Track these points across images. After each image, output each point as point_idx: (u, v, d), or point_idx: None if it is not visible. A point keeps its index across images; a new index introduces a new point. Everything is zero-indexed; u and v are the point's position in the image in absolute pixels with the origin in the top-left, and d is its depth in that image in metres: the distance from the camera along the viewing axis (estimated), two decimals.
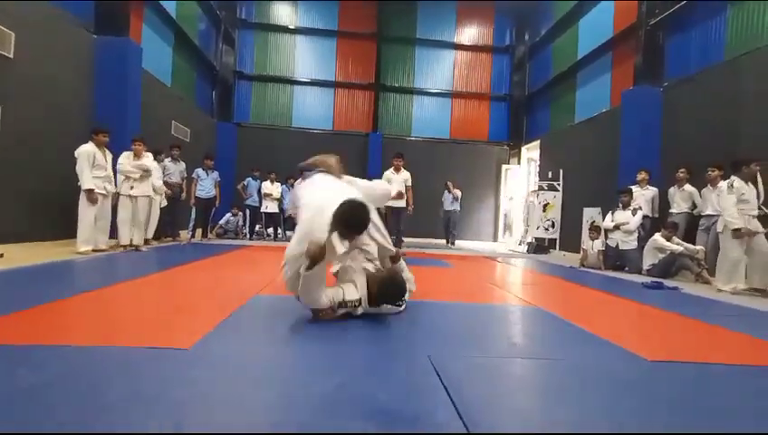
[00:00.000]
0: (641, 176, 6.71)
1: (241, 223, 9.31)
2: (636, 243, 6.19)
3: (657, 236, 5.70)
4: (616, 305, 3.65)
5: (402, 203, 7.15)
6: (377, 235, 2.46)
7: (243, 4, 12.55)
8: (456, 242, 10.53)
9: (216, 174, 8.21)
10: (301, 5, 12.79)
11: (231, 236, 8.99)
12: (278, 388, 1.50)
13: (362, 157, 12.43)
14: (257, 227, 9.33)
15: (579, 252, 7.27)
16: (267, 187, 9.00)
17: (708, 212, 5.59)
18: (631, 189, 6.57)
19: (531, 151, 12.59)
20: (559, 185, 10.22)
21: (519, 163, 13.02)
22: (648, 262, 5.75)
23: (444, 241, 10.53)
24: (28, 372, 1.45)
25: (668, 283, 4.91)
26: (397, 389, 1.52)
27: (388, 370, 1.75)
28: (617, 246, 6.32)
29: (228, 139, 12.05)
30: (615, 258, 6.38)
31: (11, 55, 5.08)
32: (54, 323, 2.14)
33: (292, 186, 9.80)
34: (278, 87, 12.83)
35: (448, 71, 13.29)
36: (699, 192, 5.95)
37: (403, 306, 2.55)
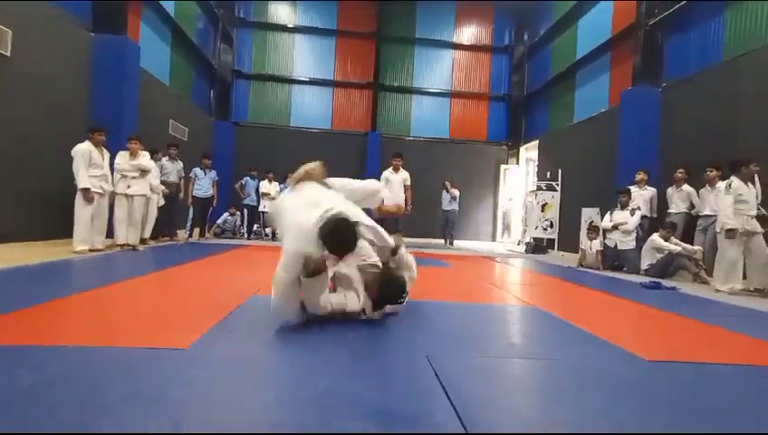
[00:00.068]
0: (640, 176, 6.72)
1: (239, 222, 9.30)
2: (634, 243, 6.21)
3: (656, 237, 5.71)
4: (614, 305, 3.65)
5: (401, 203, 7.14)
6: (369, 236, 2.34)
7: (241, 3, 12.52)
8: (455, 242, 10.53)
9: (213, 173, 8.18)
10: (300, 4, 12.77)
11: (229, 236, 8.97)
12: (277, 388, 1.49)
13: (361, 156, 12.42)
14: (255, 227, 9.31)
15: (577, 252, 7.28)
16: (265, 186, 8.99)
17: (706, 212, 5.60)
18: (630, 190, 6.58)
19: (529, 151, 12.60)
20: (557, 185, 10.23)
21: (517, 163, 13.03)
22: (646, 262, 5.76)
23: (442, 241, 10.53)
24: (26, 372, 1.44)
25: (666, 283, 4.92)
26: (395, 389, 1.51)
27: (387, 370, 1.74)
28: (615, 246, 6.33)
29: (226, 138, 12.02)
30: (613, 258, 6.39)
31: (8, 53, 5.05)
32: (51, 323, 2.13)
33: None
34: (276, 86, 12.81)
35: (447, 70, 13.29)
36: (697, 192, 5.97)
37: (405, 301, 2.52)
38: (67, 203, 5.10)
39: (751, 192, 4.56)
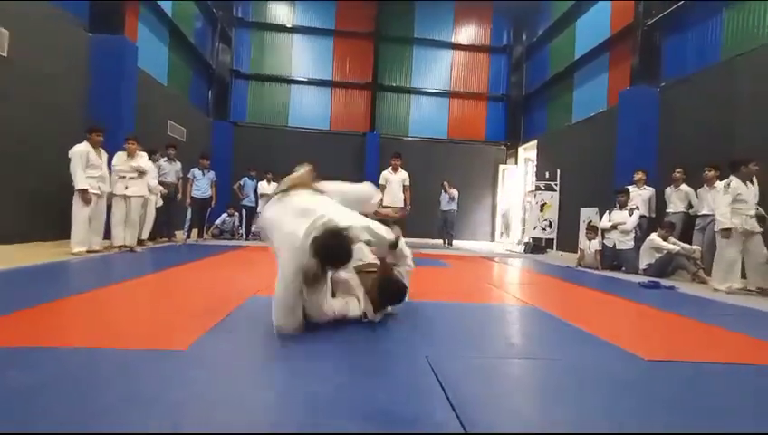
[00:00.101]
0: (638, 176, 6.73)
1: (237, 223, 9.28)
2: (633, 243, 6.21)
3: (654, 236, 5.72)
4: (613, 305, 3.65)
5: (400, 203, 7.16)
6: (365, 237, 2.21)
7: (239, 3, 12.51)
8: (454, 242, 10.54)
9: (212, 174, 8.17)
10: (298, 4, 12.76)
11: (227, 237, 8.95)
12: (276, 388, 1.48)
13: (359, 157, 12.42)
14: (254, 228, 9.29)
15: (576, 252, 7.29)
16: (264, 187, 8.98)
17: (704, 212, 5.61)
18: (628, 189, 6.60)
19: (528, 151, 12.62)
20: (556, 185, 10.24)
21: (516, 163, 13.04)
22: (644, 262, 5.77)
23: (440, 241, 10.53)
24: (23, 375, 1.43)
25: (665, 282, 4.93)
26: (395, 389, 1.51)
27: (387, 370, 1.74)
28: (614, 245, 6.33)
29: (224, 138, 12.00)
30: (612, 258, 6.40)
31: (5, 54, 5.04)
32: (49, 325, 2.12)
33: None
34: (275, 86, 12.79)
35: (446, 71, 13.30)
36: (695, 192, 5.98)
37: (405, 297, 2.51)
38: (65, 204, 5.09)
39: (750, 192, 4.57)
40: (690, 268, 5.43)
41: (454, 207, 10.32)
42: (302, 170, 2.38)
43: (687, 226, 6.04)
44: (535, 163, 11.83)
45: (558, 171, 10.21)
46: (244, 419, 1.23)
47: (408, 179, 7.34)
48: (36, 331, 1.97)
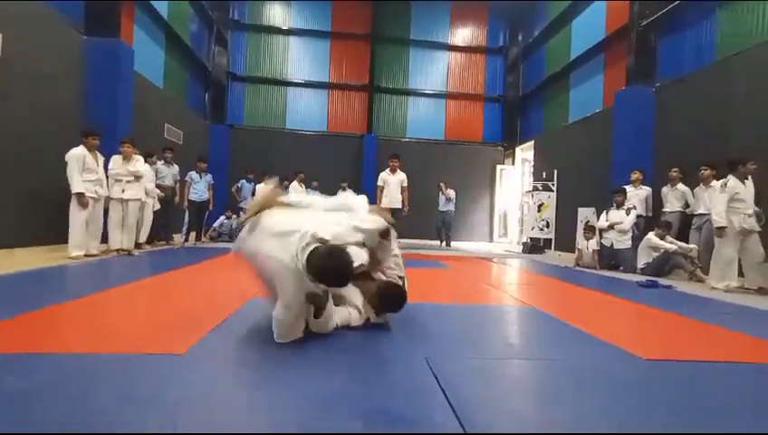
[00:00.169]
0: (635, 176, 6.76)
1: (235, 226, 9.25)
2: (630, 242, 6.24)
3: (651, 236, 5.75)
4: (611, 305, 3.66)
5: (398, 204, 7.16)
6: (356, 238, 2.05)
7: (235, 5, 12.50)
8: (452, 243, 10.54)
9: (209, 177, 8.15)
10: (294, 6, 12.77)
11: (225, 240, 8.93)
12: (276, 391, 1.48)
13: (357, 158, 12.42)
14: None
15: (574, 252, 7.30)
16: (261, 189, 8.96)
17: (701, 211, 5.64)
18: (625, 189, 6.62)
19: (525, 152, 12.65)
20: (553, 185, 10.27)
21: (513, 164, 13.07)
22: (642, 261, 5.79)
23: (437, 242, 10.53)
24: (20, 380, 1.42)
25: (663, 281, 4.94)
26: (394, 390, 1.51)
27: (386, 371, 1.74)
28: (611, 245, 6.36)
29: (221, 141, 11.99)
30: (610, 258, 6.42)
31: None
32: (47, 330, 2.11)
33: (287, 188, 9.79)
34: (272, 88, 12.79)
35: (442, 72, 13.32)
36: (692, 191, 6.01)
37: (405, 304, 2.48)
38: (62, 207, 5.07)
39: (748, 190, 4.58)
40: (687, 267, 5.45)
41: (451, 207, 10.33)
42: (267, 189, 2.22)
43: (684, 225, 6.06)
44: (532, 164, 11.86)
45: (555, 171, 10.24)
46: (243, 421, 1.23)
47: (406, 181, 7.35)
48: (34, 336, 1.96)
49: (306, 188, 9.54)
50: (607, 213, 6.55)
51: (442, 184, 10.31)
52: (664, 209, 6.33)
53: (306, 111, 12.83)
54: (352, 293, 2.28)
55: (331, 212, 2.18)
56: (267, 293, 2.09)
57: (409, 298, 2.72)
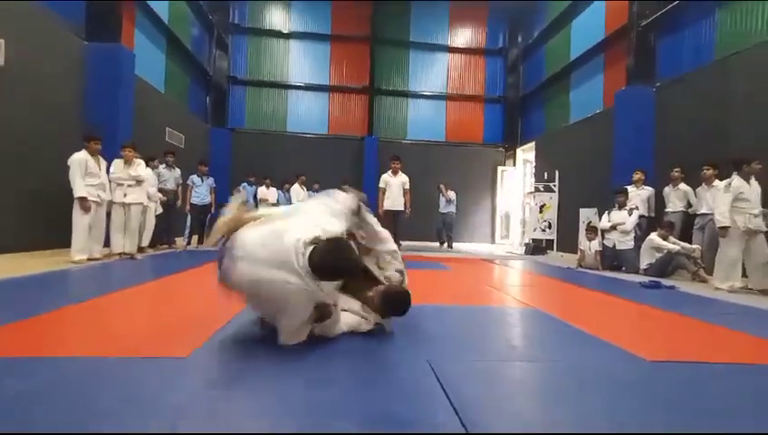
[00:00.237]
0: (637, 176, 6.75)
1: None
2: (633, 243, 6.22)
3: (654, 236, 5.73)
4: (614, 306, 3.65)
5: (400, 206, 7.15)
6: (341, 227, 1.99)
7: (235, 9, 12.56)
8: (454, 244, 10.53)
9: (211, 180, 8.17)
10: (293, 10, 12.82)
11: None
12: (278, 393, 1.48)
13: (358, 161, 12.43)
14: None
15: (576, 253, 7.29)
16: (263, 192, 8.98)
17: (703, 211, 5.62)
18: (627, 189, 6.61)
19: (526, 153, 12.65)
20: (555, 186, 10.26)
21: (514, 165, 13.07)
22: (644, 261, 5.77)
23: (437, 244, 10.51)
24: (21, 383, 1.42)
25: (666, 282, 4.92)
26: (397, 392, 1.51)
27: (389, 373, 1.73)
28: (614, 246, 6.34)
29: (222, 144, 12.02)
30: (612, 258, 6.40)
31: (2, 62, 5.04)
32: (50, 334, 2.11)
33: (288, 191, 9.81)
34: (272, 92, 12.83)
35: (442, 73, 13.35)
36: (694, 191, 5.99)
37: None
38: (62, 213, 5.09)
39: (753, 190, 4.55)
40: (690, 268, 5.43)
41: (452, 209, 10.33)
42: (234, 207, 2.04)
43: (687, 225, 6.05)
44: (534, 164, 11.85)
45: (556, 172, 10.24)
46: (244, 424, 1.23)
47: (408, 183, 7.33)
48: (37, 340, 1.96)
49: (307, 190, 9.56)
50: (609, 213, 6.54)
51: (442, 186, 10.31)
52: (666, 210, 6.32)
53: (307, 114, 12.86)
54: (355, 305, 2.22)
55: (302, 212, 2.08)
56: (260, 310, 2.00)
57: (412, 300, 2.72)
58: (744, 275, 4.68)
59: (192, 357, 1.76)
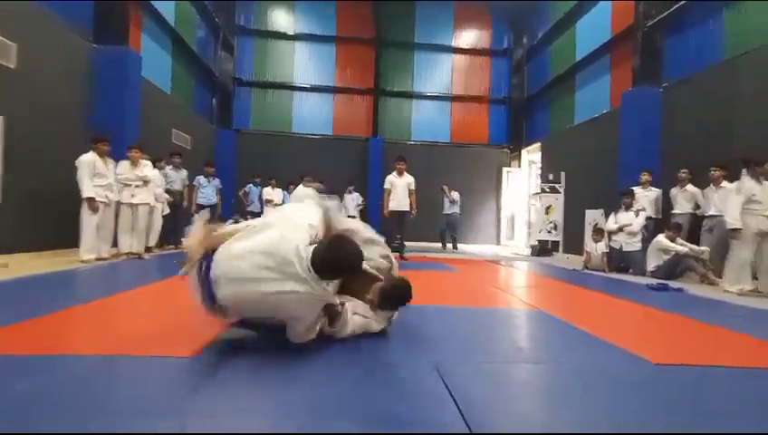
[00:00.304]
0: (644, 177, 6.68)
1: None
2: (640, 244, 6.17)
3: (661, 238, 5.68)
4: (620, 308, 3.63)
5: (406, 207, 7.13)
6: (319, 223, 1.98)
7: (241, 11, 12.62)
8: (459, 246, 10.51)
9: (217, 181, 8.22)
10: (298, 11, 12.87)
11: None
12: (283, 393, 1.48)
13: (363, 162, 12.45)
14: None
15: (582, 254, 7.25)
16: (268, 193, 9.03)
17: (711, 213, 5.56)
18: (633, 191, 6.56)
19: (531, 154, 12.60)
20: (560, 187, 10.21)
21: (519, 166, 13.02)
22: (652, 263, 5.73)
23: (440, 245, 10.49)
24: (32, 381, 1.44)
25: (673, 284, 4.88)
26: (402, 393, 1.51)
27: (394, 374, 1.74)
28: (620, 248, 6.30)
29: (228, 145, 12.08)
30: (619, 260, 6.35)
31: (13, 66, 5.11)
32: (59, 333, 2.14)
33: (292, 192, 9.85)
34: (277, 93, 12.88)
35: (447, 74, 13.34)
36: (702, 192, 5.93)
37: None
38: (70, 214, 5.14)
39: (765, 192, 4.47)
40: (699, 270, 5.37)
41: (456, 210, 10.31)
42: (200, 228, 1.91)
43: (694, 226, 5.99)
44: (539, 166, 11.80)
45: (562, 173, 10.18)
46: (248, 423, 1.24)
47: (413, 184, 7.29)
48: (46, 338, 1.99)
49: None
50: (615, 215, 6.50)
51: (445, 187, 10.30)
52: (673, 211, 6.26)
53: (312, 115, 12.89)
54: (361, 306, 2.19)
55: (282, 219, 1.99)
56: (265, 318, 1.95)
57: (417, 301, 2.71)
58: (755, 277, 4.63)
59: (198, 356, 1.78)
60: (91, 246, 4.98)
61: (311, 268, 1.69)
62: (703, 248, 5.50)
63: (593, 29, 9.79)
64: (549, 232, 10.13)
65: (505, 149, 13.37)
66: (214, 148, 11.64)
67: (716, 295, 4.31)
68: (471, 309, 3.24)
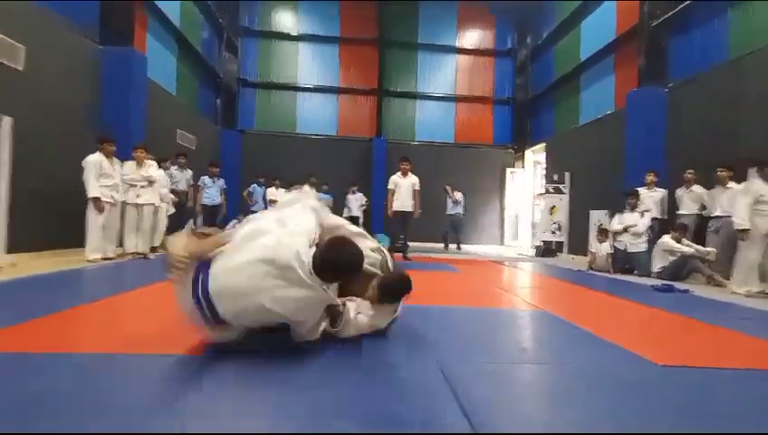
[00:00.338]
0: (650, 178, 6.64)
1: None
2: (645, 245, 6.14)
3: (667, 238, 5.65)
4: (625, 309, 3.61)
5: (409, 207, 7.13)
6: (315, 225, 1.98)
7: (245, 12, 12.68)
8: (462, 246, 10.49)
9: (221, 181, 8.26)
10: (302, 12, 12.90)
11: None
12: (286, 393, 1.49)
13: (366, 162, 12.46)
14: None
15: (587, 255, 7.22)
16: (272, 193, 9.05)
17: (718, 213, 5.52)
18: (638, 191, 6.53)
19: (536, 154, 12.57)
20: (565, 187, 10.17)
21: (524, 167, 12.98)
22: (657, 264, 5.69)
23: (451, 246, 10.47)
24: (39, 379, 1.46)
25: (679, 285, 4.85)
26: (406, 393, 1.52)
27: (398, 374, 1.74)
28: (625, 248, 6.26)
29: (232, 146, 12.13)
30: (624, 261, 6.32)
31: (21, 68, 5.16)
32: (66, 332, 2.16)
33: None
34: (281, 94, 12.92)
35: (451, 75, 13.33)
36: (707, 193, 5.89)
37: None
38: (77, 214, 5.18)
39: None
40: (705, 271, 5.33)
41: (460, 210, 10.29)
42: (186, 239, 1.81)
43: (700, 227, 5.95)
44: (544, 166, 11.77)
45: (566, 174, 10.14)
46: (251, 423, 1.25)
47: (417, 184, 7.28)
48: (53, 337, 2.01)
49: (317, 192, 9.61)
50: (620, 216, 6.47)
51: (448, 187, 10.28)
52: (679, 212, 6.22)
53: (316, 116, 12.92)
54: (363, 304, 2.17)
55: (277, 225, 1.92)
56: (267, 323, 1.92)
57: (419, 301, 2.72)
58: (763, 280, 4.57)
59: (204, 355, 1.79)
60: (97, 245, 5.03)
61: (312, 272, 1.70)
62: (709, 249, 5.46)
63: (598, 29, 9.75)
64: (553, 233, 10.09)
65: (509, 150, 13.34)
66: (218, 148, 11.69)
67: (723, 297, 4.27)
68: (474, 310, 3.23)
